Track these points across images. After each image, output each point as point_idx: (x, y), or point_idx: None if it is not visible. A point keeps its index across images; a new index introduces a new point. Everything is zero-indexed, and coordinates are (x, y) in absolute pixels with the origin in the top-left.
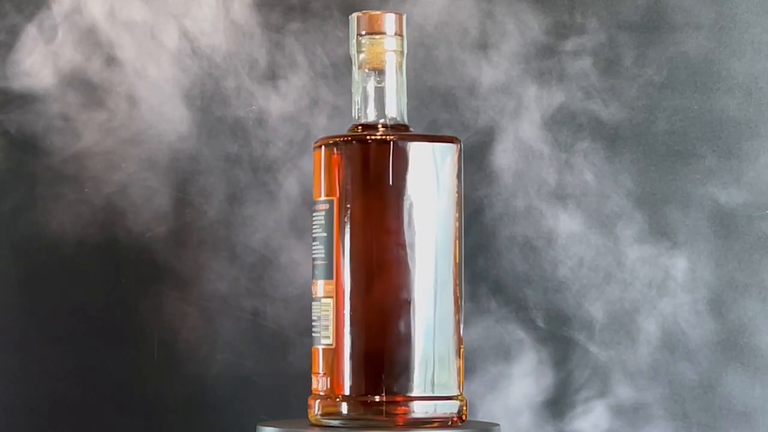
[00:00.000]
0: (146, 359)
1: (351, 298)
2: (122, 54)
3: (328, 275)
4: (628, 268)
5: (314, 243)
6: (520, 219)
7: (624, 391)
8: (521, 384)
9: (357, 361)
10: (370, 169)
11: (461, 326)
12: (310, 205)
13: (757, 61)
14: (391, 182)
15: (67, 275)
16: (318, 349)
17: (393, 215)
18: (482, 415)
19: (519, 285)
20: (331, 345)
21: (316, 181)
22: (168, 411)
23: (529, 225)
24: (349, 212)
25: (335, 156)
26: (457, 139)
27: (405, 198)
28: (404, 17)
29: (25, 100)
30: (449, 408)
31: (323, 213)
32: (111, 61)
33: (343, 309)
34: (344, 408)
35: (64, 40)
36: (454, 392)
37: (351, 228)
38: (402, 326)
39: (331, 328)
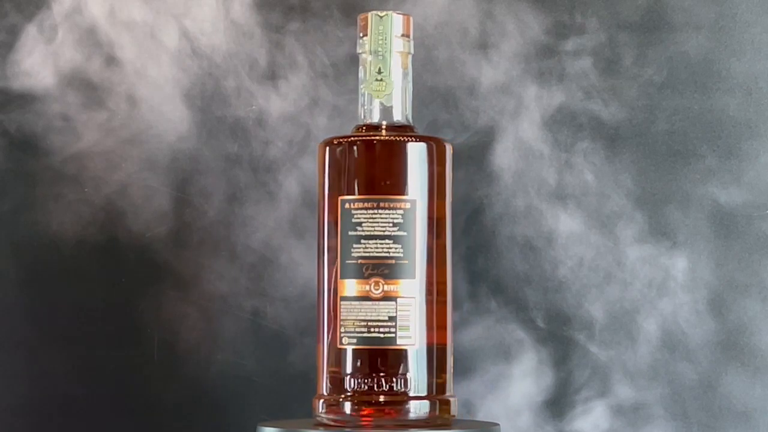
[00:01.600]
0: (146, 359)
1: (446, 298)
2: (122, 54)
3: (409, 274)
4: (628, 268)
5: (383, 241)
6: (520, 219)
7: (624, 391)
8: (521, 384)
9: (450, 360)
10: (450, 170)
11: None
12: (310, 205)
13: (757, 61)
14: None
15: (67, 275)
16: (391, 349)
17: (452, 215)
18: (482, 415)
19: (519, 285)
20: (414, 345)
21: (394, 177)
22: (168, 411)
23: (529, 225)
24: (436, 213)
25: (425, 154)
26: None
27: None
28: (411, 19)
29: (25, 100)
30: None
31: (402, 212)
32: (111, 61)
33: (434, 309)
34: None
35: (64, 40)
36: None
37: (439, 229)
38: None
39: (414, 327)
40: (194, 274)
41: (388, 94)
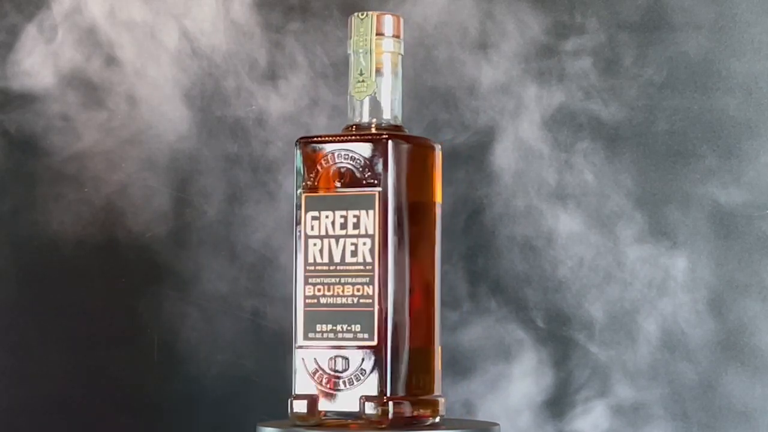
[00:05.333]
0: (146, 359)
1: None
2: (122, 54)
3: None
4: (628, 268)
5: None
6: (520, 219)
7: (624, 391)
8: (521, 384)
9: None
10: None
11: None
12: None
13: (757, 61)
14: None
15: (67, 275)
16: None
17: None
18: (482, 415)
19: (519, 285)
20: None
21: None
22: (168, 411)
23: (529, 225)
24: None
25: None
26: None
27: None
28: (401, 19)
29: (25, 100)
30: None
31: None
32: (111, 61)
33: None
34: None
35: (64, 40)
36: None
37: None
38: None
39: None
40: (194, 274)
41: (369, 94)
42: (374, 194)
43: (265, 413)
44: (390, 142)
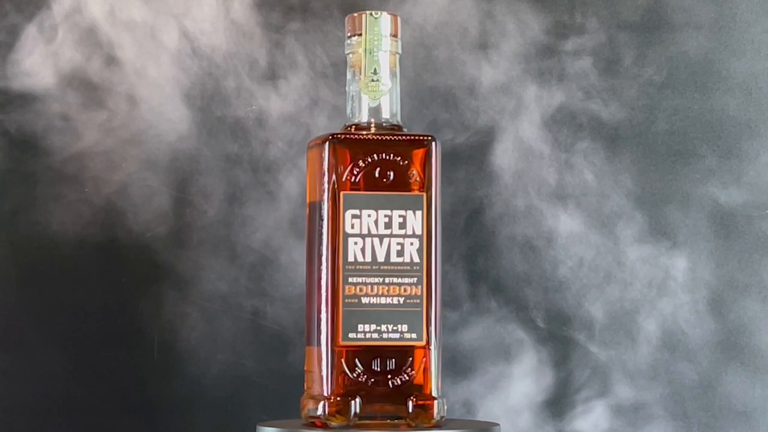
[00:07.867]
0: (146, 359)
1: None
2: (122, 54)
3: None
4: (628, 268)
5: None
6: (520, 219)
7: (624, 391)
8: (521, 384)
9: None
10: None
11: None
12: None
13: (757, 61)
14: None
15: (67, 275)
16: None
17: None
18: (482, 415)
19: (519, 285)
20: None
21: None
22: (168, 411)
23: (529, 225)
24: None
25: None
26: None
27: None
28: (399, 19)
29: (25, 100)
30: None
31: None
32: (111, 61)
33: None
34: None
35: (64, 40)
36: None
37: None
38: None
39: None
40: (194, 274)
41: (384, 94)
42: (422, 195)
43: (265, 413)
44: (434, 144)
